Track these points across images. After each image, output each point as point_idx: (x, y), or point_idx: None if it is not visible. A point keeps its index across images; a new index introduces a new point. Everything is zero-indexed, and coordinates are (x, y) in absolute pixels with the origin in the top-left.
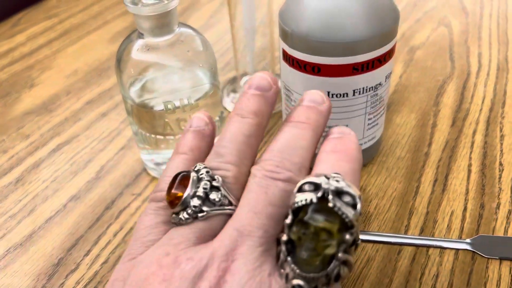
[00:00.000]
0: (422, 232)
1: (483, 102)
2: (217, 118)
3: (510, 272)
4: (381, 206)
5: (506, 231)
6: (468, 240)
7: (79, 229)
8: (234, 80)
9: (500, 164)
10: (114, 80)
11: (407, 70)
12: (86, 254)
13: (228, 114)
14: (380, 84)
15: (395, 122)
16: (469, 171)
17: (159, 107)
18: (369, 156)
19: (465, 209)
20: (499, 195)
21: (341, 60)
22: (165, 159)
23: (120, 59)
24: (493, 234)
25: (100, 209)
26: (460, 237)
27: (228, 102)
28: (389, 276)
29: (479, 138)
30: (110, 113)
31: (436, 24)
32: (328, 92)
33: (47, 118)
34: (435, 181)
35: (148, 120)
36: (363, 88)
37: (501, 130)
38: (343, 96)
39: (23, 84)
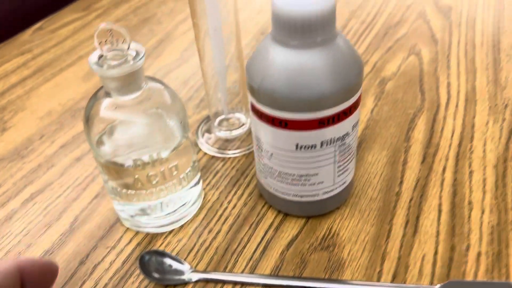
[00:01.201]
0: (394, 278)
1: (452, 136)
2: (189, 169)
3: None
4: (354, 252)
5: (475, 274)
6: (437, 286)
7: None
8: (208, 119)
9: (469, 202)
10: None
11: (378, 104)
12: None
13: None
14: (347, 134)
15: (367, 160)
16: (440, 211)
17: (128, 163)
18: (342, 199)
19: (436, 252)
20: (468, 236)
21: (307, 116)
22: (138, 211)
23: (88, 117)
24: (463, 278)
25: (74, 264)
26: (431, 283)
27: (203, 143)
28: None
29: (448, 175)
30: (84, 158)
31: (406, 53)
32: (297, 144)
33: (19, 165)
34: (407, 222)
35: (118, 176)
36: (331, 139)
37: (470, 166)
38: (312, 148)
39: None
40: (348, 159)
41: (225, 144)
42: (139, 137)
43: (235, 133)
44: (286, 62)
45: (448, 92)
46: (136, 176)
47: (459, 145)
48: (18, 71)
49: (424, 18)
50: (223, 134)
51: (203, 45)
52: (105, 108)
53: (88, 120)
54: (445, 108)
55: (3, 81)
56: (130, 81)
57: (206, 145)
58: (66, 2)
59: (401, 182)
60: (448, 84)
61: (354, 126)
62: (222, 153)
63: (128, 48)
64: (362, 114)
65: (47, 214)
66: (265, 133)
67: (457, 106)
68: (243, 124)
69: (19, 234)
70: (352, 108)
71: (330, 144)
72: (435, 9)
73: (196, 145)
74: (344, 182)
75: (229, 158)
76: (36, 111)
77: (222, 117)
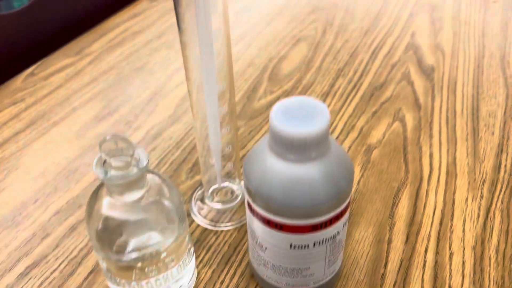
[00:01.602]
0: None
1: (434, 213)
2: (185, 257)
3: None
4: None
5: None
6: None
7: None
8: (201, 186)
9: (449, 287)
10: (81, 184)
11: (365, 174)
12: None
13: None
14: (338, 232)
15: (354, 237)
16: None
17: (127, 259)
18: (332, 285)
19: None
20: None
21: (301, 222)
22: None
23: (90, 214)
24: None
25: None
26: None
27: (197, 214)
28: None
29: (430, 257)
30: (79, 227)
31: (391, 119)
32: (291, 244)
33: (14, 233)
34: None
35: (115, 266)
36: (323, 240)
37: (450, 247)
38: (304, 248)
39: None
40: (338, 251)
41: (217, 215)
42: (138, 234)
43: (228, 205)
44: (282, 173)
45: (431, 164)
46: (135, 271)
47: (440, 223)
48: (10, 124)
49: (408, 79)
50: (215, 205)
51: (196, 102)
52: (106, 207)
53: (90, 217)
54: (428, 181)
55: None
56: (132, 186)
57: (200, 217)
58: (58, 45)
59: (386, 263)
60: (431, 155)
61: (344, 224)
62: (215, 226)
63: (132, 155)
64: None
65: None
66: (260, 230)
67: (438, 180)
68: (236, 196)
69: None
70: (344, 211)
71: (322, 243)
72: (418, 70)
73: (189, 215)
74: (334, 271)
75: (222, 231)
76: (29, 171)
77: (215, 186)
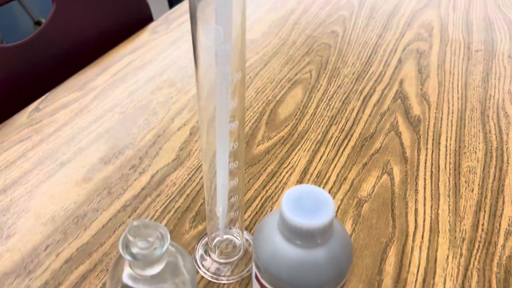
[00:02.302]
0: None
1: (418, 271)
2: None
3: None
4: None
5: None
6: None
7: None
8: (204, 236)
9: None
10: (90, 231)
11: (356, 229)
12: None
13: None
14: None
15: None
16: None
17: None
18: None
19: None
20: None
21: None
22: None
23: (113, 277)
24: None
25: None
26: None
27: (200, 266)
28: None
29: None
30: (89, 275)
31: (380, 172)
32: None
33: (26, 282)
34: None
35: None
36: None
37: None
38: None
39: (0, 233)
40: None
41: (219, 269)
42: None
43: (230, 260)
44: (290, 256)
45: (416, 220)
46: None
47: (423, 281)
48: (18, 163)
49: (396, 130)
50: (218, 259)
51: (206, 153)
52: (127, 278)
53: (112, 279)
54: (413, 238)
55: (4, 174)
56: (154, 263)
57: (203, 269)
58: (61, 78)
59: None
60: (416, 211)
61: None
62: (217, 279)
63: (156, 239)
64: None
65: None
66: None
67: (422, 237)
68: (237, 249)
69: None
70: (342, 286)
71: None
72: (406, 121)
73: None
74: None
75: (224, 284)
76: (39, 215)
77: (218, 239)
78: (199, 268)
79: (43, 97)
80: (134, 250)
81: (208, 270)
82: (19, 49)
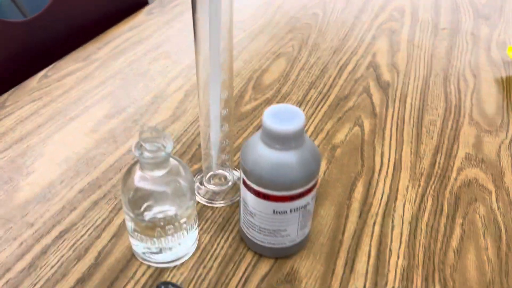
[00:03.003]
0: None
1: (382, 197)
2: (193, 222)
3: None
4: (309, 285)
5: None
6: None
7: None
8: (200, 173)
9: (390, 250)
10: (99, 170)
11: (330, 167)
12: None
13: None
14: (308, 203)
15: (320, 214)
16: (369, 256)
17: (153, 220)
18: (302, 246)
19: (364, 286)
20: (387, 275)
21: (283, 193)
22: (153, 250)
23: (125, 184)
24: None
25: None
26: None
27: (197, 194)
28: None
29: (377, 228)
30: (100, 202)
31: (352, 124)
32: (273, 210)
33: (46, 206)
34: (346, 264)
35: (141, 227)
36: (297, 208)
37: (392, 222)
38: (284, 213)
39: (20, 172)
40: (308, 219)
41: (213, 195)
42: (162, 202)
43: (222, 188)
44: (271, 158)
45: (381, 160)
46: (157, 229)
47: (386, 204)
48: (32, 118)
49: (367, 92)
50: (212, 187)
51: (203, 104)
52: (138, 179)
53: (125, 186)
54: (378, 173)
55: (20, 126)
56: (159, 165)
57: (199, 196)
58: (65, 52)
59: (343, 232)
60: (382, 154)
61: (313, 197)
62: (211, 203)
63: (162, 143)
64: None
65: (76, 250)
66: (251, 200)
67: (387, 172)
68: (228, 181)
69: (54, 266)
70: (313, 187)
71: (297, 210)
72: (377, 85)
73: None
74: (304, 234)
75: (217, 207)
76: (53, 158)
77: (212, 172)
78: (196, 195)
79: (50, 66)
80: (145, 153)
81: (203, 197)
82: (28, 25)
